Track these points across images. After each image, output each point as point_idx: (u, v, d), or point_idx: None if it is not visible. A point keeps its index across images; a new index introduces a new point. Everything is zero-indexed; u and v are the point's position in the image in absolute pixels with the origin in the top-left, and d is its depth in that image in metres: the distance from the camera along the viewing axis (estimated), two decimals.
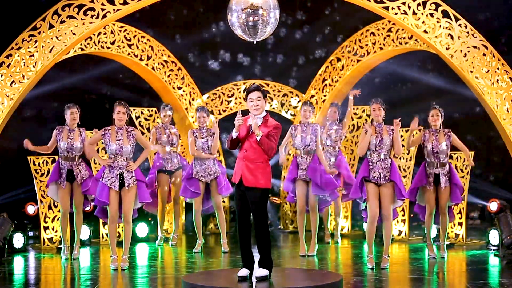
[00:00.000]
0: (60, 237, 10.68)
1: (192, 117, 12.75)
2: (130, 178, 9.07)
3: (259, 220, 7.75)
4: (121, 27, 11.99)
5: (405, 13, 10.17)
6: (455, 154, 11.02)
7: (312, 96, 12.93)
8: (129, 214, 9.09)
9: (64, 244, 10.16)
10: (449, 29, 10.20)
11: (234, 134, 7.79)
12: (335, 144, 11.37)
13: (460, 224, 11.09)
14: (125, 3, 10.24)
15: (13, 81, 10.34)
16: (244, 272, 7.81)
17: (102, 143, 9.23)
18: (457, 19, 10.21)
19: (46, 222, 10.99)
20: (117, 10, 10.26)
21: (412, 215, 11.99)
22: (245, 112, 7.87)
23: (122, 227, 11.47)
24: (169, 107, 11.39)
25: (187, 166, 11.27)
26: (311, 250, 10.14)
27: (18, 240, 10.77)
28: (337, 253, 10.88)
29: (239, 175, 7.78)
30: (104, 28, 11.56)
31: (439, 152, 9.79)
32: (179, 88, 12.72)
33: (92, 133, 10.09)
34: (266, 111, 7.93)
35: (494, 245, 10.55)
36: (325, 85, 12.82)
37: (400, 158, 11.42)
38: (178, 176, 11.31)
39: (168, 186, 11.37)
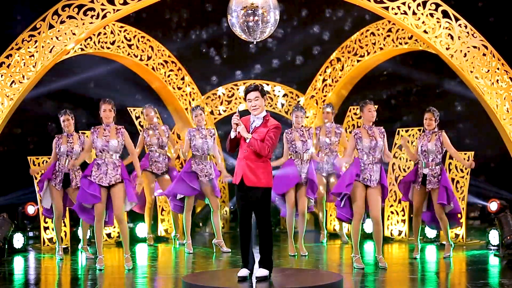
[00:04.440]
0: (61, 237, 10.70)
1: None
2: (113, 176, 9.01)
3: (262, 220, 7.74)
4: (121, 27, 11.99)
5: (405, 13, 10.17)
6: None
7: (312, 96, 12.93)
8: (121, 214, 9.05)
9: (59, 245, 10.14)
10: (449, 29, 10.21)
11: (232, 134, 7.78)
12: (334, 147, 11.38)
13: (460, 224, 11.08)
14: (125, 3, 10.25)
15: (13, 81, 10.35)
16: (244, 272, 7.81)
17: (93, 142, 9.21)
18: (457, 19, 10.21)
19: (46, 223, 10.99)
20: (117, 10, 10.26)
21: (412, 215, 11.97)
22: (245, 112, 7.87)
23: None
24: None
25: (174, 168, 11.34)
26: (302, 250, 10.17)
27: (18, 240, 10.77)
28: (337, 253, 10.89)
29: (240, 175, 7.77)
30: (104, 28, 11.56)
31: (428, 151, 9.79)
32: (179, 88, 12.71)
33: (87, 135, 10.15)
34: (267, 111, 7.93)
35: (494, 245, 10.55)
36: (325, 85, 12.82)
37: (399, 158, 11.42)
38: (165, 180, 11.30)
39: (154, 188, 11.38)
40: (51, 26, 10.32)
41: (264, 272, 7.74)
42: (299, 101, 12.93)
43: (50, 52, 10.34)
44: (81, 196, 9.08)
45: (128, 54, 12.10)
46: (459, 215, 10.08)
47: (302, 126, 10.19)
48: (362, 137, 9.07)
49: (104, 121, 9.12)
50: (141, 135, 11.45)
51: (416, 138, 11.21)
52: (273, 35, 9.19)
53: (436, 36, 10.20)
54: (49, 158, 10.87)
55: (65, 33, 10.32)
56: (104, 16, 10.26)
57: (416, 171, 9.92)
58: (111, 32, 11.84)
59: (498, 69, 10.24)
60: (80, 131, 10.19)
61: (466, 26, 10.24)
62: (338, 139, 11.46)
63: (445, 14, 10.21)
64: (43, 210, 10.24)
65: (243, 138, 7.76)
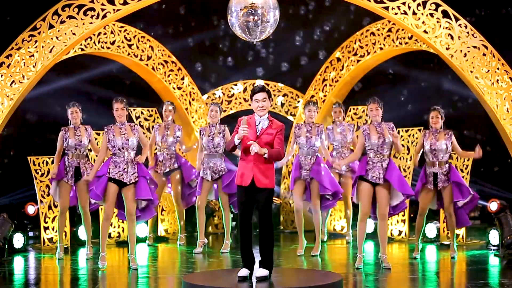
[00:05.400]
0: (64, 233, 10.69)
1: (192, 117, 12.75)
2: (132, 174, 9.05)
3: (265, 220, 7.75)
4: (121, 27, 11.99)
5: (405, 13, 10.18)
6: (455, 154, 11.00)
7: (312, 96, 12.93)
8: (133, 214, 9.07)
9: (60, 243, 10.14)
10: (449, 29, 10.21)
11: (236, 141, 7.77)
12: (344, 146, 11.34)
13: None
14: (125, 3, 10.25)
15: (13, 81, 10.35)
16: (244, 272, 7.81)
17: (108, 142, 9.17)
18: (457, 19, 10.22)
19: (46, 222, 10.99)
20: (117, 10, 10.27)
21: (412, 215, 11.98)
22: (245, 113, 7.85)
23: (119, 225, 11.52)
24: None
25: (186, 165, 11.28)
26: (314, 250, 10.16)
27: (18, 240, 10.78)
28: (337, 253, 10.89)
29: (250, 177, 7.72)
30: (104, 28, 11.57)
31: (437, 150, 9.76)
32: (179, 88, 12.72)
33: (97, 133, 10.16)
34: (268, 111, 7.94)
35: (494, 245, 10.55)
36: (325, 85, 12.82)
37: (400, 158, 11.41)
38: (174, 178, 11.27)
39: (163, 187, 11.35)
40: (51, 26, 10.33)
41: (264, 272, 7.73)
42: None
43: (50, 52, 10.34)
44: (92, 194, 9.20)
45: (128, 54, 12.10)
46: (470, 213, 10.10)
47: (312, 122, 10.17)
48: (371, 134, 9.03)
49: (117, 119, 9.14)
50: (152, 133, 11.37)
51: (417, 138, 11.22)
52: (274, 34, 9.18)
53: (436, 36, 10.21)
54: (49, 158, 10.89)
55: (65, 33, 10.33)
56: (104, 16, 10.27)
57: (425, 172, 9.88)
58: (111, 32, 11.84)
59: (498, 69, 10.25)
60: (85, 125, 10.13)
61: (466, 26, 10.24)
62: (352, 136, 11.37)
63: (445, 14, 10.21)
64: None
65: (256, 139, 7.71)
